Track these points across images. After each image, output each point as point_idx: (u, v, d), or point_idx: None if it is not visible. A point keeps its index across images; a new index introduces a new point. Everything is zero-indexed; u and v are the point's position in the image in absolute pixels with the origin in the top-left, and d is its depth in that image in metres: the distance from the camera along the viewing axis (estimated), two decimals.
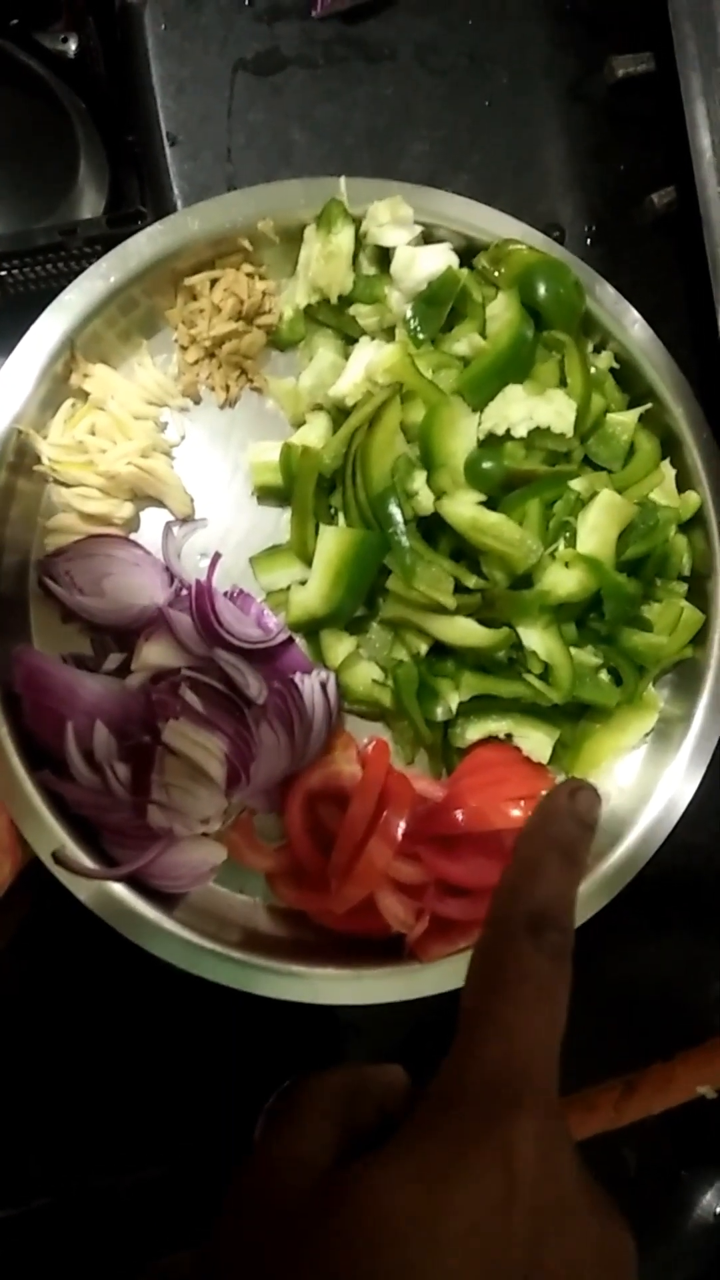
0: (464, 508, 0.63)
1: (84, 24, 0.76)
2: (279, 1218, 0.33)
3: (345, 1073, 0.40)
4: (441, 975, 0.66)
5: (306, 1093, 0.39)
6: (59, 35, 0.77)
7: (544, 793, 0.42)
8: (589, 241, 0.80)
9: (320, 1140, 0.36)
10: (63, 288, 0.73)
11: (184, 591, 0.67)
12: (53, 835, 0.61)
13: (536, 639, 0.66)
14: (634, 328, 0.73)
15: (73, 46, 0.77)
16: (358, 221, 0.68)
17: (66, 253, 0.70)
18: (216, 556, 0.68)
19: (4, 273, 0.71)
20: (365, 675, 0.69)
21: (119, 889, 0.62)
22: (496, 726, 0.69)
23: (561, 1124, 0.35)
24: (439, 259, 0.66)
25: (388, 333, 0.70)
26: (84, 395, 0.67)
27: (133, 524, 0.69)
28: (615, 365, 0.73)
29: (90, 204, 0.76)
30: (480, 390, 0.65)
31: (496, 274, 0.69)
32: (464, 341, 0.67)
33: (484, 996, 0.37)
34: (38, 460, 0.65)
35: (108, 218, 0.71)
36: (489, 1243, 0.31)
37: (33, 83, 0.73)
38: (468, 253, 0.71)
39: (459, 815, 0.68)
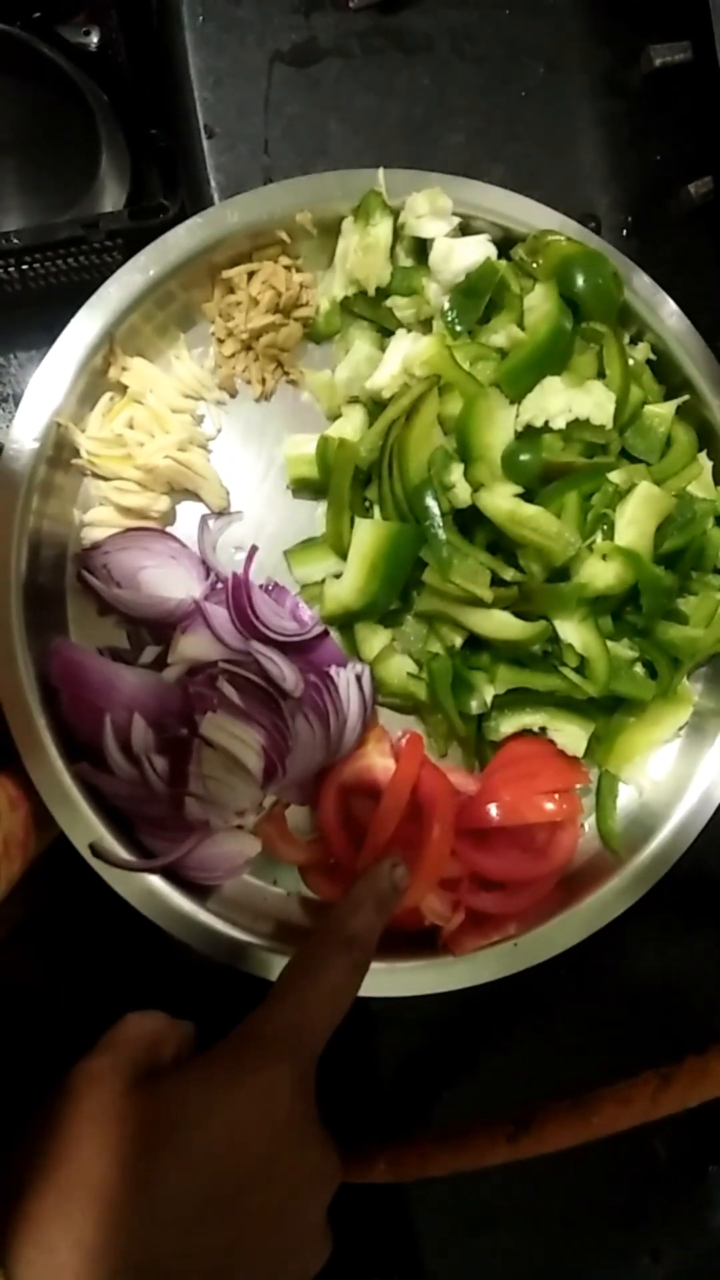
0: (501, 500, 0.63)
1: (106, 16, 0.77)
2: (82, 1121, 0.43)
3: (154, 1019, 0.50)
4: (474, 968, 0.66)
5: (120, 1030, 0.49)
6: (81, 28, 0.77)
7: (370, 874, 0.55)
8: (625, 232, 0.79)
9: (122, 1066, 0.45)
10: (85, 281, 0.73)
11: (219, 585, 0.67)
12: (90, 827, 0.62)
13: (573, 632, 0.65)
14: (671, 319, 0.73)
15: (95, 39, 0.77)
16: (395, 213, 0.68)
17: (88, 246, 0.70)
18: (253, 550, 0.68)
19: (26, 266, 0.71)
20: (400, 668, 0.69)
21: (154, 880, 0.62)
22: (531, 720, 0.69)
23: (310, 1083, 0.46)
24: (477, 250, 0.66)
25: (425, 325, 0.70)
26: (122, 389, 0.67)
27: (169, 517, 0.69)
28: (652, 356, 0.73)
29: (112, 197, 0.76)
30: (518, 382, 0.65)
31: (534, 265, 0.68)
32: (502, 333, 0.67)
33: (295, 980, 0.49)
34: (76, 454, 0.66)
35: (129, 211, 0.71)
36: (242, 1137, 0.42)
37: (54, 75, 0.73)
38: (505, 244, 0.70)
39: (493, 809, 0.68)
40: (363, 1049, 0.73)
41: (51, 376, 0.64)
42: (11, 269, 0.71)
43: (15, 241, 0.69)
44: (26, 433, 0.63)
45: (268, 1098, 0.43)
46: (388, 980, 0.65)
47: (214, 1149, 0.42)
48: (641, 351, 0.73)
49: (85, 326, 0.65)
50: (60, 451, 0.65)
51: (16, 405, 0.83)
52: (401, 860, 0.56)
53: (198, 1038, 0.52)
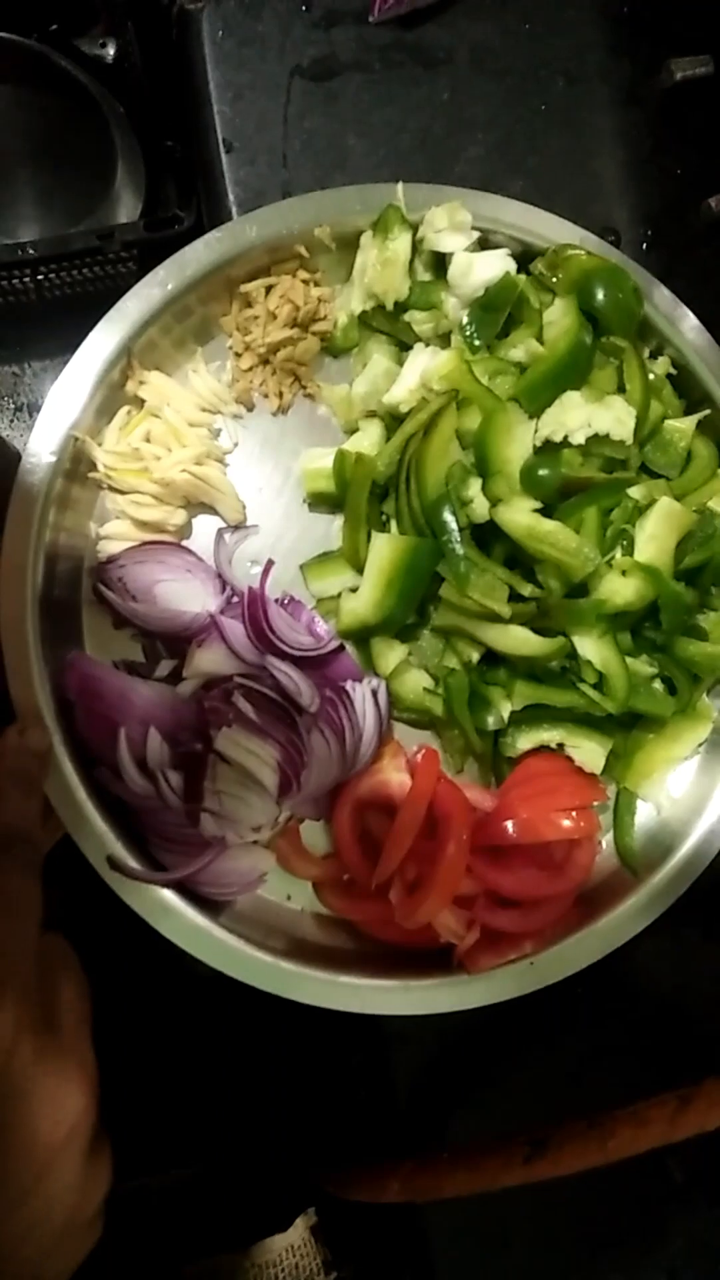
0: (520, 515, 0.62)
1: (123, 29, 0.77)
2: None
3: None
4: (490, 987, 0.65)
5: None
6: (97, 40, 0.78)
7: None
8: (645, 246, 0.79)
9: None
10: (99, 291, 0.73)
11: (235, 599, 0.67)
12: (104, 841, 0.61)
13: (592, 648, 0.65)
14: (691, 333, 0.72)
15: (111, 51, 0.78)
16: (414, 227, 0.68)
17: (103, 257, 0.70)
18: (269, 564, 0.68)
19: (41, 277, 0.71)
20: (416, 683, 0.68)
21: (167, 894, 0.62)
22: (548, 736, 0.68)
23: (26, 1013, 0.41)
24: (497, 265, 0.66)
25: (443, 339, 0.69)
26: (139, 403, 0.67)
27: (185, 531, 0.69)
28: (673, 371, 0.72)
29: (127, 208, 0.76)
30: (537, 397, 0.65)
31: (554, 279, 0.68)
32: (521, 348, 0.66)
33: None
34: (93, 467, 0.66)
35: (145, 222, 0.71)
36: None
37: (71, 87, 0.74)
38: (524, 258, 0.70)
39: (509, 826, 0.67)
40: (377, 1067, 0.73)
41: (69, 390, 0.64)
42: (27, 279, 0.72)
43: (31, 252, 0.69)
44: (44, 446, 0.63)
45: None
46: (402, 998, 0.64)
47: None
48: (662, 366, 0.72)
49: (103, 340, 0.65)
50: (77, 465, 0.65)
51: (31, 414, 0.83)
52: (35, 724, 0.52)
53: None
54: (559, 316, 0.66)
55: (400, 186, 0.68)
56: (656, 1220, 0.77)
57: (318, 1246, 0.89)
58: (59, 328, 0.67)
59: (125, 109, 0.76)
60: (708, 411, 0.71)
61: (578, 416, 0.64)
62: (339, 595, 0.68)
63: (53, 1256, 0.41)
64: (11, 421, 0.85)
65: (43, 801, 0.48)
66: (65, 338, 0.65)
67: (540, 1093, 0.74)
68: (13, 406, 0.84)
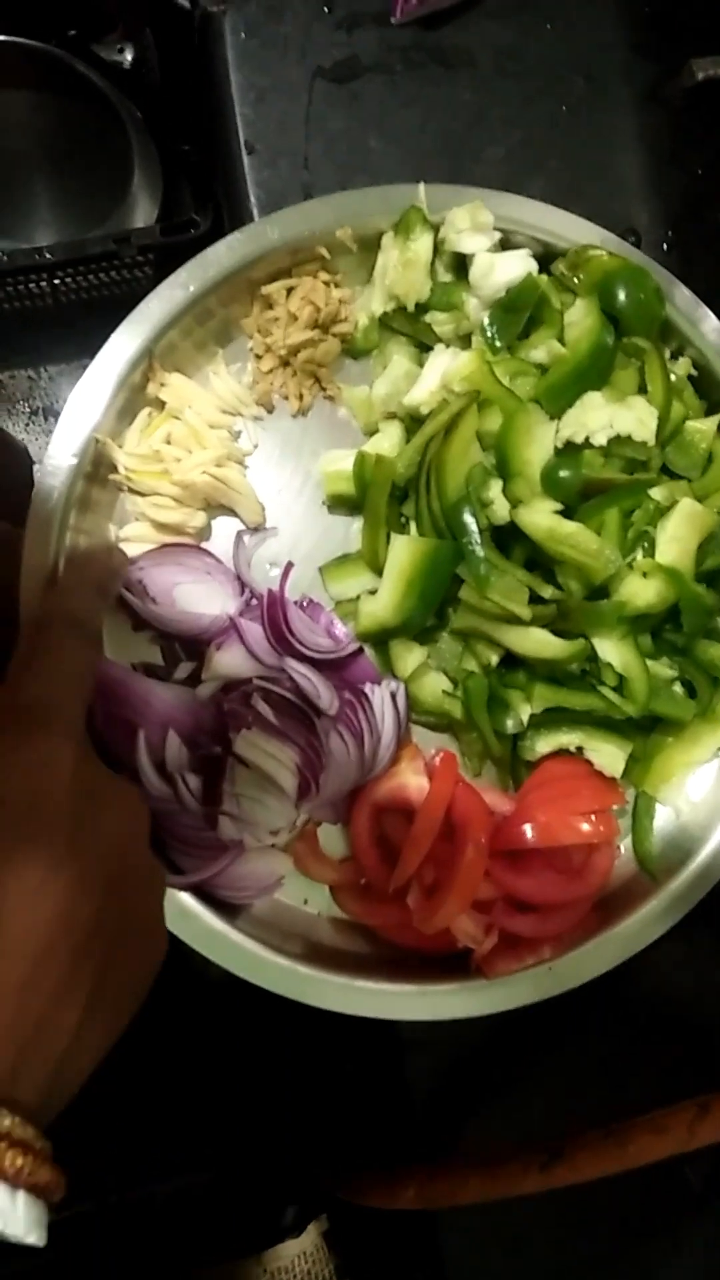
0: (541, 517, 0.62)
1: (140, 34, 0.77)
2: None
3: None
4: (507, 992, 0.65)
5: None
6: (115, 45, 0.78)
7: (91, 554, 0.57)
8: (666, 246, 0.79)
9: None
10: (116, 295, 0.73)
11: (254, 601, 0.67)
12: None
13: (612, 651, 0.64)
14: (712, 333, 0.72)
15: (129, 56, 0.78)
16: (436, 228, 0.68)
17: (120, 261, 0.70)
18: (289, 566, 0.67)
19: (58, 281, 0.71)
20: (435, 686, 0.68)
21: (183, 897, 0.62)
22: (568, 739, 0.68)
23: (88, 748, 0.47)
24: (518, 265, 0.66)
25: (464, 340, 0.69)
26: (160, 404, 0.67)
27: (205, 533, 0.69)
28: (694, 372, 0.72)
29: (144, 213, 0.76)
30: (559, 398, 0.64)
31: (575, 280, 0.68)
32: (542, 349, 0.66)
33: (30, 660, 0.50)
34: (113, 469, 0.66)
35: (161, 226, 0.71)
36: (31, 806, 0.41)
37: (88, 92, 0.74)
38: (545, 258, 0.70)
39: (528, 830, 0.67)
40: (393, 1072, 0.72)
41: (90, 392, 0.64)
42: (44, 283, 0.72)
43: (47, 256, 0.69)
44: (65, 448, 0.63)
45: (52, 766, 0.43)
46: (419, 1003, 0.64)
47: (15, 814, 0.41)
48: (683, 367, 0.72)
49: (125, 342, 0.65)
50: (98, 467, 0.65)
51: (47, 417, 0.84)
52: (120, 550, 0.58)
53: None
54: (580, 317, 0.66)
55: (422, 187, 0.68)
56: (673, 1227, 0.76)
57: (330, 1253, 0.89)
58: (75, 332, 0.68)
59: (142, 114, 0.76)
60: None
61: (599, 418, 0.63)
62: (358, 598, 0.68)
63: (139, 951, 0.45)
64: (27, 425, 0.85)
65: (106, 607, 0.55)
66: (81, 342, 0.65)
67: (557, 1098, 0.74)
68: (28, 410, 0.84)
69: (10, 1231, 0.34)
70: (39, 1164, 0.35)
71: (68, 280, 0.71)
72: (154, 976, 0.46)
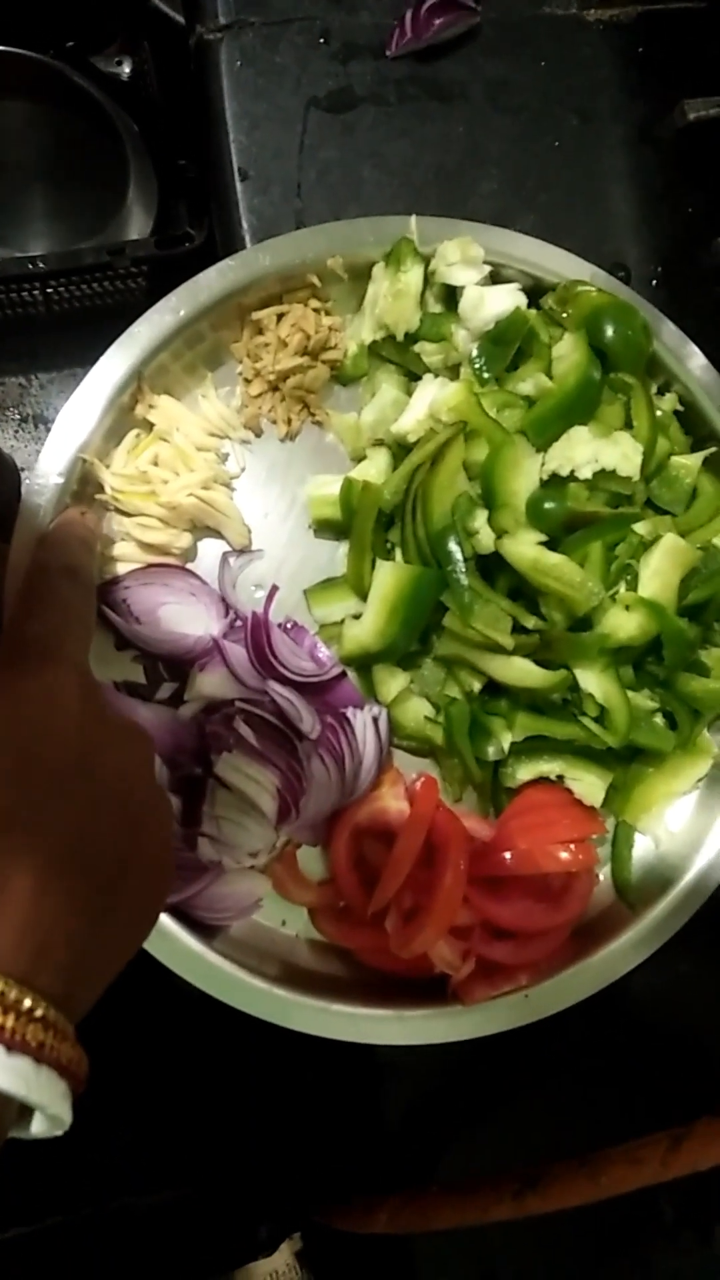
0: (525, 548, 0.63)
1: (138, 48, 0.78)
2: None
3: None
4: (484, 1019, 0.65)
5: None
6: (113, 58, 0.79)
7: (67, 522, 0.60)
8: (654, 283, 0.79)
9: None
10: (108, 306, 0.73)
11: (238, 623, 0.67)
12: None
13: (594, 682, 0.65)
14: (699, 370, 0.73)
15: (126, 69, 0.79)
16: (427, 260, 0.68)
17: (113, 272, 0.70)
18: (274, 589, 0.68)
19: (50, 290, 0.72)
20: (417, 711, 0.68)
21: (162, 918, 0.62)
22: (548, 767, 0.68)
23: (93, 681, 0.48)
24: (507, 299, 0.66)
25: (452, 370, 0.70)
26: (148, 426, 0.67)
27: (190, 554, 0.69)
28: (680, 407, 0.73)
29: (138, 225, 0.77)
30: (545, 431, 0.65)
31: (564, 314, 0.68)
32: (530, 381, 0.67)
33: (30, 602, 0.52)
34: (100, 489, 0.66)
35: (156, 239, 0.71)
36: (38, 730, 0.42)
37: (85, 104, 0.74)
38: (535, 292, 0.71)
39: (507, 857, 0.67)
40: (368, 1098, 0.72)
41: (79, 412, 0.65)
42: (36, 293, 0.72)
43: (41, 266, 0.70)
44: (52, 467, 0.64)
45: (58, 695, 0.44)
46: (395, 1028, 0.64)
47: (21, 741, 0.41)
48: (669, 402, 0.72)
49: (114, 364, 0.65)
50: (84, 486, 0.65)
51: (37, 425, 0.84)
52: (89, 509, 0.61)
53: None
54: (568, 351, 0.67)
55: (413, 219, 0.68)
56: (645, 1258, 0.76)
57: (302, 1272, 0.88)
58: (67, 342, 0.68)
59: (139, 127, 0.77)
60: (714, 448, 0.71)
61: (585, 451, 0.64)
62: (342, 622, 0.68)
63: (148, 873, 0.45)
64: (16, 432, 0.85)
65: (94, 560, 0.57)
66: (73, 352, 0.65)
67: (532, 1126, 0.74)
68: (18, 417, 0.84)
69: (36, 1099, 0.33)
70: (61, 1040, 0.35)
71: (61, 290, 0.72)
72: (164, 899, 0.48)
